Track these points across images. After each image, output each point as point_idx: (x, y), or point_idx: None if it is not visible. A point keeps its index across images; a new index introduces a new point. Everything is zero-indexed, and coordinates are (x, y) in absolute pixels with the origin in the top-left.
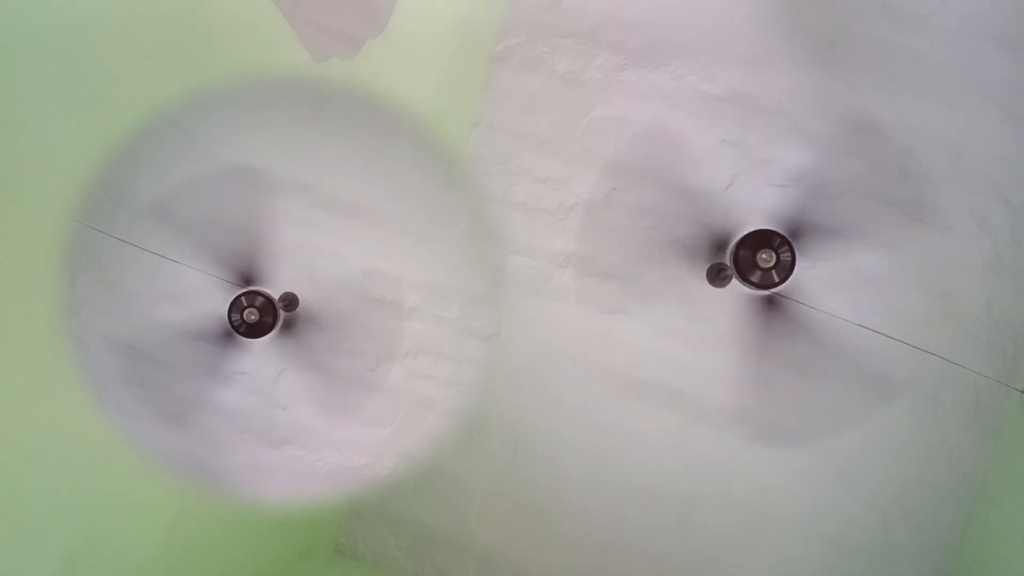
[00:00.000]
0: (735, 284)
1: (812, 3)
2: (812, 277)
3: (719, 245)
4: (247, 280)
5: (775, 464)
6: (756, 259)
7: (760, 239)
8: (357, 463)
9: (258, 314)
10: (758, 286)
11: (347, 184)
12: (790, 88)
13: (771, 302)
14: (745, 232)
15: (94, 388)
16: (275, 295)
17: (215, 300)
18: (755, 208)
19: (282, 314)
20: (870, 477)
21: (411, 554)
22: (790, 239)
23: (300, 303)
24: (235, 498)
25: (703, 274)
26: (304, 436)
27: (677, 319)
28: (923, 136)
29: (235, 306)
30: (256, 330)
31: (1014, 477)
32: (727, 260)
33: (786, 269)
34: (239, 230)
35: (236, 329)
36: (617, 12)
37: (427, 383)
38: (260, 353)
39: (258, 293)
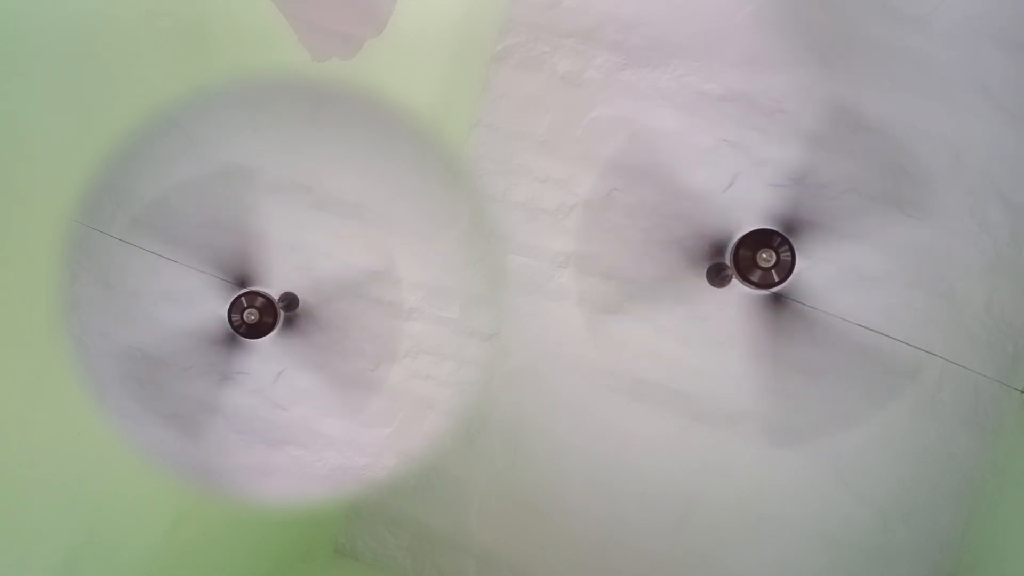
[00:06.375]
0: (735, 284)
1: (812, 3)
2: (812, 277)
3: (719, 245)
4: (246, 280)
5: (775, 464)
6: (756, 259)
7: (760, 239)
8: (357, 463)
9: (258, 314)
10: (758, 286)
11: (347, 184)
12: (790, 88)
13: (771, 302)
14: (745, 232)
15: (94, 388)
16: (275, 295)
17: (215, 300)
18: (755, 208)
19: (282, 314)
20: (870, 477)
21: (411, 554)
22: (790, 238)
23: (300, 303)
24: (235, 498)
25: (703, 274)
26: (304, 436)
27: (677, 319)
28: (923, 136)
29: (235, 306)
30: (256, 330)
31: (1014, 477)
32: (727, 260)
33: (786, 269)
34: (239, 230)
35: (236, 329)
36: (617, 12)
37: (427, 383)
38: (260, 353)
39: (258, 293)
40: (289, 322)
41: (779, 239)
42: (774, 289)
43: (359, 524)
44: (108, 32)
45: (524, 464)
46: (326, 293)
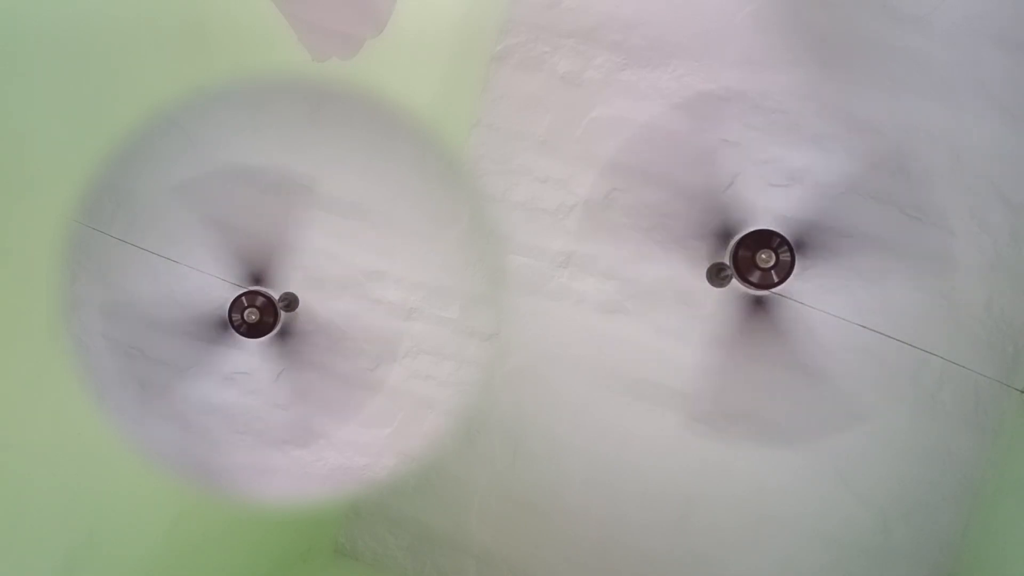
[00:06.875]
0: (735, 284)
1: (812, 3)
2: (812, 277)
3: (719, 245)
4: (247, 280)
5: (775, 464)
6: (755, 259)
7: (760, 239)
8: (357, 463)
9: (258, 314)
10: (758, 286)
11: (347, 184)
12: (790, 88)
13: (771, 302)
14: (745, 232)
15: (94, 388)
16: (275, 295)
17: (215, 300)
18: (755, 208)
19: (282, 314)
20: (870, 477)
21: (411, 554)
22: (789, 239)
23: (300, 303)
24: (235, 498)
25: (703, 274)
26: (304, 436)
27: (677, 319)
28: (923, 136)
29: (235, 306)
30: (256, 330)
31: (1014, 477)
32: (727, 260)
33: (785, 269)
34: (239, 230)
35: (236, 329)
36: (617, 12)
37: (427, 383)
38: (260, 353)
39: (258, 293)
40: (289, 322)
41: (778, 240)
42: (774, 289)
43: (359, 524)
44: (108, 32)
45: (524, 464)
46: (326, 293)
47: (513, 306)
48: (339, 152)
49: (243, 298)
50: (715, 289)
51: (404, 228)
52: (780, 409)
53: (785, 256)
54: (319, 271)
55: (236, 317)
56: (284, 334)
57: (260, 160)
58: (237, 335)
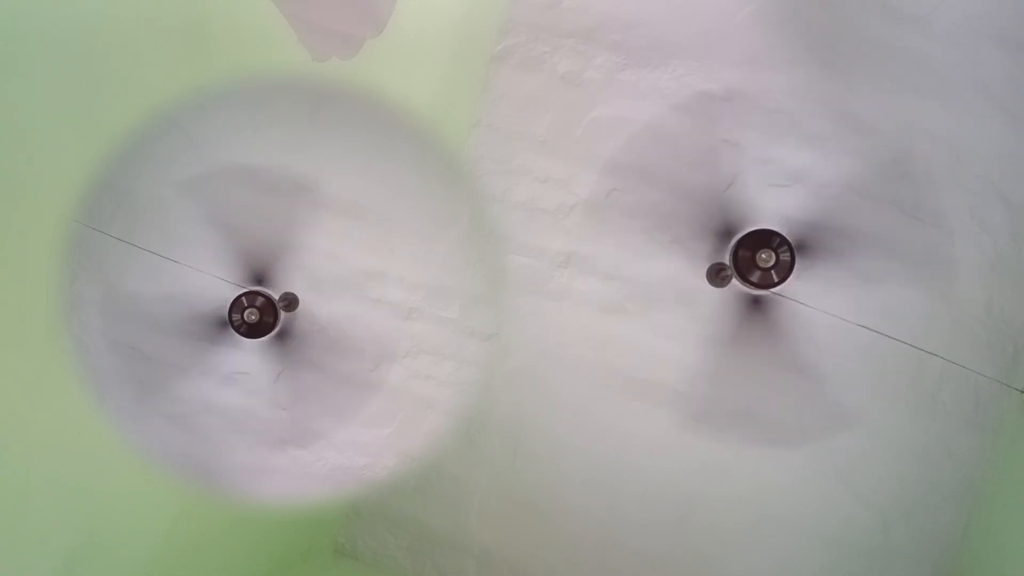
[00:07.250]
0: (735, 284)
1: (812, 3)
2: (812, 277)
3: (719, 245)
4: (247, 280)
5: (775, 464)
6: (755, 259)
7: (759, 239)
8: (357, 463)
9: (258, 314)
10: (758, 286)
11: (347, 184)
12: (790, 88)
13: (771, 302)
14: (744, 232)
15: (94, 388)
16: (275, 295)
17: (215, 300)
18: (755, 208)
19: (282, 314)
20: (870, 477)
21: (411, 554)
22: (790, 239)
23: (300, 303)
24: (235, 498)
25: (703, 274)
26: (304, 436)
27: (677, 319)
28: (923, 136)
29: (235, 306)
30: (256, 330)
31: (1014, 477)
32: (727, 260)
33: (785, 269)
34: (239, 230)
35: (236, 329)
36: (617, 12)
37: (427, 383)
38: (260, 353)
39: (258, 293)
40: (289, 322)
41: (778, 239)
42: (774, 289)
43: (359, 524)
44: (108, 32)
45: (524, 464)
46: (326, 293)
47: (513, 306)
48: (339, 152)
49: (243, 298)
50: (715, 289)
51: (404, 228)
52: (780, 409)
53: (785, 256)
54: (319, 271)
55: (236, 317)
56: (284, 334)
57: (260, 160)
58: (237, 335)
